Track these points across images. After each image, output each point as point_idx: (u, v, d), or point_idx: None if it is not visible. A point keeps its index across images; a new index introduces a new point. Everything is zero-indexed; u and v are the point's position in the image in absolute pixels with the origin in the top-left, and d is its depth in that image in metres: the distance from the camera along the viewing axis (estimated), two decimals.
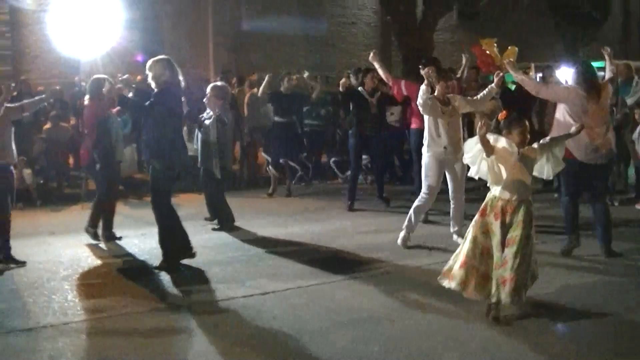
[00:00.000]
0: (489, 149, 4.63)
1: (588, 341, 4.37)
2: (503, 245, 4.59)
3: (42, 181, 10.26)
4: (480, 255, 4.65)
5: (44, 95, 7.26)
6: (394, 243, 6.84)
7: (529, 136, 4.70)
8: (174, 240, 6.20)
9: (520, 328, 4.55)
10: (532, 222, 4.63)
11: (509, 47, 9.80)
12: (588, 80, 6.18)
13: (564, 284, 5.51)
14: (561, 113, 6.27)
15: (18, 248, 6.49)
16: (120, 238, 7.34)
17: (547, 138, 4.89)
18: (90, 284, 5.81)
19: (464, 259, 4.67)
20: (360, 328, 4.58)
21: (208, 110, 7.87)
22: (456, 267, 4.71)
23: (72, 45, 10.97)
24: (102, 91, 7.03)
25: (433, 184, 6.79)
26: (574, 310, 4.91)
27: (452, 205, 6.98)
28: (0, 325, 4.74)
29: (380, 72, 8.25)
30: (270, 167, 10.34)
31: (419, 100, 6.65)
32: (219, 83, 8.47)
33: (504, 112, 4.86)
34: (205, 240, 7.30)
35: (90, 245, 7.12)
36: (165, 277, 5.93)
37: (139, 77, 10.84)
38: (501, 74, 6.82)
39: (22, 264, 6.32)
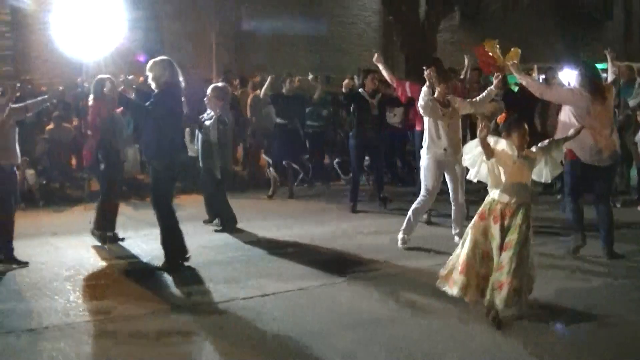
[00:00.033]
0: (489, 152, 4.63)
1: (588, 342, 4.38)
2: (502, 248, 4.58)
3: (44, 182, 10.27)
4: (481, 258, 4.65)
5: (46, 96, 7.27)
6: (395, 244, 6.85)
7: (528, 139, 4.69)
8: (174, 241, 6.21)
9: (520, 329, 4.56)
10: (530, 225, 4.61)
11: (512, 49, 9.78)
12: (593, 82, 6.19)
13: (565, 286, 5.52)
14: (566, 115, 6.28)
15: (20, 248, 6.50)
16: (122, 239, 7.35)
17: (546, 141, 4.87)
18: (92, 285, 5.82)
19: (464, 264, 4.65)
20: (361, 329, 4.59)
21: (208, 111, 7.89)
22: (456, 272, 4.69)
23: (74, 46, 10.98)
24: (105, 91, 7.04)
25: (432, 185, 6.80)
26: (574, 311, 4.92)
27: (453, 207, 7.00)
28: (2, 325, 4.76)
29: (385, 73, 8.20)
30: (271, 169, 10.33)
31: (420, 102, 6.66)
32: (219, 84, 8.49)
33: (503, 114, 4.87)
34: (206, 241, 7.32)
35: (92, 246, 7.13)
36: (167, 278, 5.94)
37: (141, 79, 10.85)
38: (500, 75, 6.84)
39: (24, 264, 6.33)
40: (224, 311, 5.06)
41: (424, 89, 6.65)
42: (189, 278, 5.94)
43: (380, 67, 8.12)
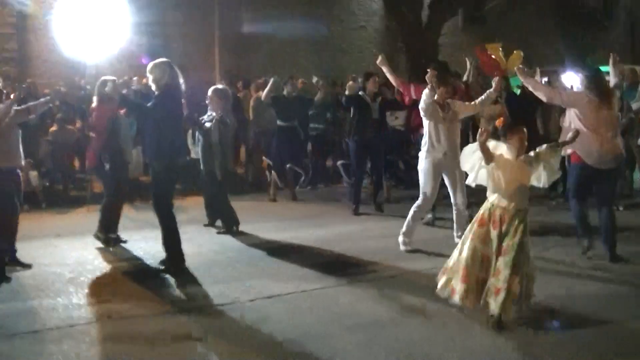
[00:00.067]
0: (488, 156, 4.61)
1: (590, 345, 4.37)
2: (499, 253, 4.56)
3: (47, 184, 10.29)
4: (481, 262, 4.63)
5: (48, 97, 7.30)
6: (396, 247, 6.86)
7: (527, 143, 4.67)
8: (176, 243, 6.23)
9: (522, 331, 4.56)
10: (526, 230, 4.59)
11: (514, 52, 9.79)
12: (599, 85, 6.20)
13: (567, 289, 5.52)
14: (571, 118, 6.28)
15: (24, 250, 6.51)
16: (125, 241, 7.37)
17: (544, 146, 4.84)
18: (95, 287, 5.84)
19: (464, 271, 4.62)
20: (361, 331, 4.60)
21: (209, 112, 7.90)
22: (457, 280, 4.66)
23: (78, 49, 11.03)
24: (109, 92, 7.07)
25: (431, 189, 6.81)
26: (576, 314, 4.91)
27: (454, 211, 7.00)
28: (5, 327, 4.77)
29: (389, 76, 8.15)
30: (272, 171, 10.28)
31: (421, 104, 6.68)
32: (219, 85, 8.51)
33: (501, 118, 4.86)
34: (209, 243, 7.33)
35: (96, 248, 7.15)
36: (170, 280, 5.96)
37: (144, 80, 10.88)
38: (497, 78, 6.86)
39: (27, 266, 6.35)
40: (225, 313, 5.07)
41: (426, 91, 6.66)
42: (191, 280, 5.95)
43: (385, 69, 8.08)
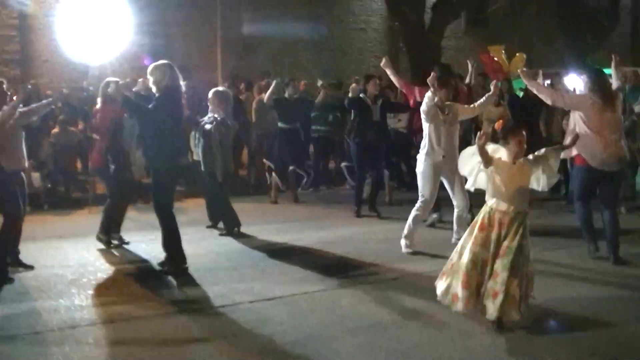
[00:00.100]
0: (487, 160, 4.59)
1: (590, 347, 4.37)
2: (497, 256, 4.54)
3: (50, 185, 10.31)
4: (481, 267, 4.60)
5: (51, 99, 7.31)
6: (399, 249, 6.86)
7: (526, 146, 4.64)
8: (175, 245, 6.23)
9: (522, 333, 4.56)
10: (526, 232, 4.57)
11: (517, 54, 9.81)
12: (603, 87, 6.19)
13: (568, 290, 5.52)
14: (575, 121, 6.28)
15: (26, 252, 6.53)
16: (127, 242, 7.38)
17: (543, 149, 4.80)
18: (97, 288, 5.85)
19: (465, 278, 4.58)
20: (363, 333, 4.60)
21: (209, 114, 7.91)
22: (458, 286, 4.61)
23: (81, 50, 11.04)
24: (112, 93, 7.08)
25: (429, 192, 6.81)
26: (577, 316, 4.91)
27: (455, 213, 7.00)
28: (7, 328, 4.78)
29: (393, 78, 8.12)
30: (273, 173, 10.28)
31: (423, 107, 6.68)
32: (220, 87, 8.52)
33: (500, 121, 4.85)
34: (211, 245, 7.34)
35: (98, 250, 7.16)
36: (172, 282, 5.97)
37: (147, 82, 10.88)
38: (494, 81, 6.87)
39: (29, 267, 6.35)
40: (226, 314, 5.07)
41: (428, 94, 6.67)
42: (192, 281, 5.96)
43: (388, 72, 8.04)
